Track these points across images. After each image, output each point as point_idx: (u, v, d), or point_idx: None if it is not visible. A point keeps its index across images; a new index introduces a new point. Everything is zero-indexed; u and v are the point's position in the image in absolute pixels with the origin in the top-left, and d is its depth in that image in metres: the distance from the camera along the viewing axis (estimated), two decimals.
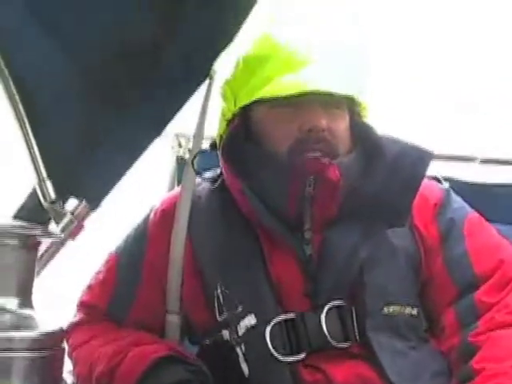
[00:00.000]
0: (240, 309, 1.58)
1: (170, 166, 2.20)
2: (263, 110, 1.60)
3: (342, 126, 1.60)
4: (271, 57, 1.57)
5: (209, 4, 1.51)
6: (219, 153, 1.65)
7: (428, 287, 1.65)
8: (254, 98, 1.57)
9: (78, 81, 1.56)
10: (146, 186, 2.26)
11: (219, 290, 1.60)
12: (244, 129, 1.62)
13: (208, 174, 1.73)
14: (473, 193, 2.01)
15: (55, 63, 1.54)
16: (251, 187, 1.60)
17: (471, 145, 2.16)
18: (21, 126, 1.57)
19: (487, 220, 1.79)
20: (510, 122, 2.17)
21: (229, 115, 1.64)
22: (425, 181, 1.68)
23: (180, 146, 2.20)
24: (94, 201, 1.65)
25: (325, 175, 1.54)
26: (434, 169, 2.06)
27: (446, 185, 2.02)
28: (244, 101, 1.60)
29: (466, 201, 1.76)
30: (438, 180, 1.99)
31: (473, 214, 1.71)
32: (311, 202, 1.57)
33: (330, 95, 1.55)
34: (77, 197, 1.64)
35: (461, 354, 1.56)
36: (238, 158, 1.62)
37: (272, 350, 1.55)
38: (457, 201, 1.71)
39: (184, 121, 1.72)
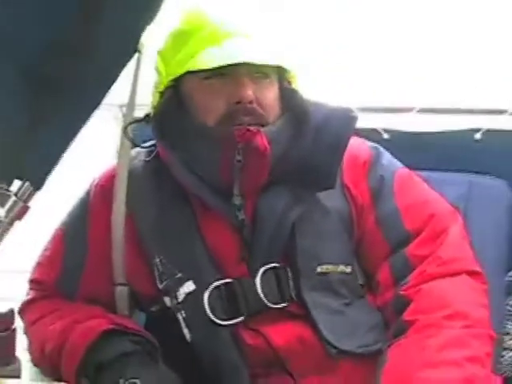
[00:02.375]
0: (178, 276, 1.61)
1: (115, 137, 2.21)
2: (193, 82, 1.62)
3: (270, 95, 1.62)
4: (198, 30, 1.60)
5: None
6: (151, 124, 1.67)
7: (362, 245, 1.68)
8: (182, 71, 1.60)
9: (11, 70, 1.57)
10: (95, 159, 2.27)
11: (158, 260, 1.64)
12: (175, 100, 1.64)
13: (144, 145, 1.75)
14: (411, 142, 2.06)
15: None
16: (183, 158, 1.62)
17: (409, 95, 2.19)
18: None
19: (423, 168, 1.83)
20: (447, 73, 2.21)
21: (161, 87, 1.65)
22: (355, 139, 1.71)
23: (124, 116, 2.20)
24: (37, 181, 1.67)
25: (253, 143, 1.56)
26: (374, 121, 2.11)
27: (386, 136, 2.07)
28: (174, 73, 1.62)
29: (404, 150, 1.80)
30: (377, 132, 2.04)
31: (402, 169, 1.73)
32: (241, 169, 1.58)
33: (257, 65, 1.57)
34: (20, 178, 1.66)
35: (394, 307, 1.59)
36: (170, 129, 1.64)
37: (210, 315, 1.58)
38: (386, 158, 1.74)
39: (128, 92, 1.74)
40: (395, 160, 1.75)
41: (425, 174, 1.80)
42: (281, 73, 1.65)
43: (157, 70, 1.68)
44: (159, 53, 1.68)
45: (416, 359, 1.46)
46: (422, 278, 1.58)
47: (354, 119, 1.65)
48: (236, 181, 1.60)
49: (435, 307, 1.53)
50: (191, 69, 1.58)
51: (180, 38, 1.63)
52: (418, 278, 1.59)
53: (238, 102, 1.57)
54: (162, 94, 1.66)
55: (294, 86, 1.68)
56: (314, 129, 1.64)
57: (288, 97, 1.66)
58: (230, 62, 1.53)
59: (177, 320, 1.62)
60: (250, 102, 1.58)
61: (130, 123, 1.70)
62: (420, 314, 1.53)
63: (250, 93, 1.57)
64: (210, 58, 1.55)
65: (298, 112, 1.65)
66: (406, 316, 1.55)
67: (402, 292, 1.59)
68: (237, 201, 1.61)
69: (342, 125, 1.65)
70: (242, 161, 1.57)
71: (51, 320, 1.68)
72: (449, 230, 1.63)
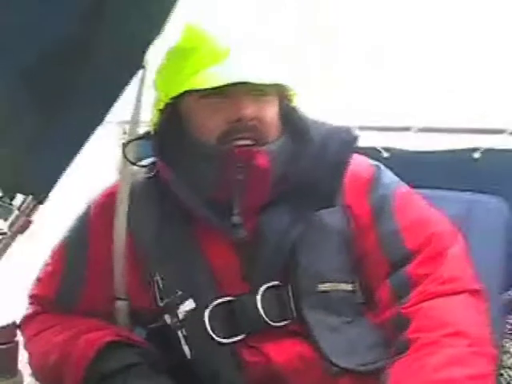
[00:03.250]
0: (179, 294, 1.62)
1: (117, 153, 2.22)
2: (192, 100, 1.63)
3: (270, 113, 1.63)
4: (197, 48, 1.61)
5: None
6: (151, 142, 1.68)
7: (363, 263, 1.68)
8: (180, 91, 1.61)
9: (13, 84, 1.58)
10: (95, 175, 2.28)
11: (158, 277, 1.64)
12: (175, 118, 1.65)
13: (144, 162, 1.76)
14: (410, 160, 2.07)
15: None
16: (183, 176, 1.63)
17: (408, 114, 2.20)
18: None
19: (423, 187, 1.84)
20: (446, 92, 2.22)
21: (160, 105, 1.66)
22: (356, 157, 1.72)
23: (125, 133, 2.22)
24: (40, 195, 1.68)
25: (254, 162, 1.57)
26: (373, 139, 2.12)
27: (385, 154, 2.08)
28: (173, 92, 1.62)
29: (404, 169, 1.81)
30: (377, 151, 2.05)
31: (402, 187, 1.74)
32: (242, 188, 1.59)
33: (257, 84, 1.57)
34: (23, 192, 1.67)
35: (394, 326, 1.59)
36: (170, 147, 1.65)
37: (211, 333, 1.59)
38: (387, 176, 1.74)
39: (129, 109, 1.75)
40: (396, 178, 1.76)
41: (424, 192, 1.80)
42: (281, 91, 1.66)
43: (156, 87, 1.69)
44: (158, 70, 1.69)
45: (417, 377, 1.45)
46: (422, 296, 1.58)
47: (354, 138, 1.66)
48: (236, 199, 1.60)
49: (436, 326, 1.53)
50: (190, 88, 1.59)
51: (179, 56, 1.64)
52: (418, 296, 1.58)
53: (238, 120, 1.58)
54: (161, 111, 1.67)
55: (293, 103, 1.69)
56: (314, 147, 1.65)
57: (288, 115, 1.67)
58: (228, 82, 1.54)
59: (177, 337, 1.62)
60: (251, 120, 1.59)
61: (131, 141, 1.71)
62: (421, 333, 1.53)
63: (250, 111, 1.58)
64: (208, 78, 1.56)
65: (299, 130, 1.66)
66: (407, 334, 1.54)
67: (402, 310, 1.59)
68: (236, 220, 1.61)
69: (342, 144, 1.66)
70: (242, 179, 1.58)
71: (53, 333, 1.68)
72: (449, 249, 1.64)
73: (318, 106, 1.86)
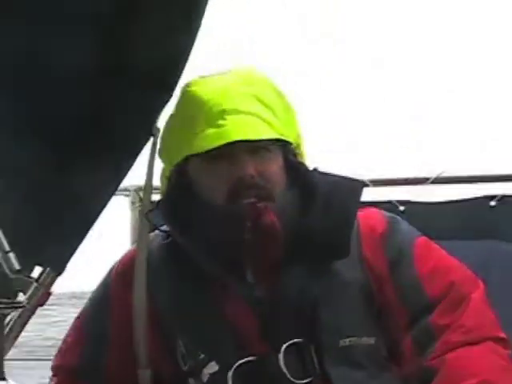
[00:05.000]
0: (202, 357, 1.61)
1: (133, 221, 2.23)
2: (196, 164, 1.63)
3: (273, 168, 1.63)
4: (194, 113, 1.62)
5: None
6: (161, 210, 1.69)
7: (383, 316, 1.66)
8: (183, 156, 1.62)
9: (30, 152, 1.61)
10: (113, 243, 2.29)
11: (180, 342, 1.63)
12: (183, 183, 1.65)
13: (161, 229, 1.74)
14: (426, 213, 2.06)
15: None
16: (195, 239, 1.63)
17: (423, 166, 2.20)
18: None
19: (442, 238, 1.83)
20: (459, 142, 2.23)
21: (166, 173, 1.68)
22: (371, 210, 1.72)
23: (141, 200, 2.23)
24: (58, 266, 1.68)
25: (261, 220, 1.57)
26: (389, 194, 2.12)
27: (401, 208, 2.08)
28: (176, 159, 1.64)
29: (421, 221, 1.80)
30: (392, 205, 2.04)
31: (420, 238, 1.72)
32: (251, 247, 1.59)
33: (255, 140, 1.58)
34: (41, 264, 1.68)
35: (420, 379, 1.57)
36: (181, 211, 1.65)
37: None
38: (403, 227, 1.72)
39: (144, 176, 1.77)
40: (413, 228, 1.74)
41: (441, 243, 1.80)
42: (283, 144, 1.65)
43: (160, 156, 1.70)
44: (160, 139, 1.70)
45: None
46: (446, 347, 1.56)
47: (360, 187, 1.67)
48: (248, 259, 1.60)
49: (462, 377, 1.51)
50: (189, 153, 1.60)
51: (177, 123, 1.66)
52: (442, 347, 1.57)
53: (240, 180, 1.58)
54: (168, 178, 1.67)
55: (299, 157, 1.68)
56: (321, 200, 1.64)
57: (293, 169, 1.66)
58: (223, 142, 1.55)
59: None
60: (252, 177, 1.58)
61: (150, 211, 1.72)
62: None
63: (249, 170, 1.58)
64: (205, 141, 1.58)
65: (305, 183, 1.65)
66: None
67: (427, 363, 1.57)
68: (250, 279, 1.61)
69: (348, 194, 1.66)
70: (250, 238, 1.58)
71: None
72: (470, 297, 1.62)
73: (332, 163, 1.86)
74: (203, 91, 1.63)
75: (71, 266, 1.72)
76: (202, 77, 1.68)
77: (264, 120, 1.60)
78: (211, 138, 1.57)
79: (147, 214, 1.72)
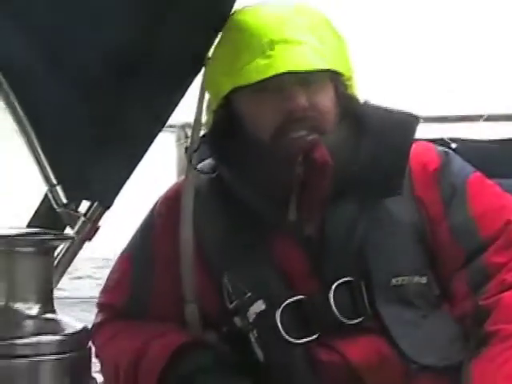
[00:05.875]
0: (248, 295, 1.58)
1: (178, 157, 2.21)
2: (243, 97, 1.59)
3: (325, 99, 1.58)
4: (243, 42, 1.57)
5: None
6: (207, 144, 1.65)
7: (437, 254, 1.63)
8: (229, 88, 1.57)
9: (78, 87, 1.59)
10: (158, 178, 2.28)
11: (226, 279, 1.61)
12: (229, 117, 1.61)
13: (206, 163, 1.72)
14: (479, 150, 2.01)
15: (55, 77, 1.57)
16: (243, 175, 1.60)
17: (475, 103, 2.15)
18: (26, 137, 1.61)
19: (494, 176, 1.79)
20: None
21: (213, 106, 1.63)
22: (423, 145, 1.67)
23: (187, 136, 2.21)
24: (106, 200, 1.67)
25: (313, 155, 1.53)
26: (442, 131, 2.07)
27: (453, 145, 2.03)
28: (222, 91, 1.59)
29: (473, 159, 1.75)
30: (444, 142, 1.99)
31: (474, 174, 1.68)
32: (302, 183, 1.55)
33: (307, 72, 1.53)
34: (89, 199, 1.67)
35: (474, 318, 1.55)
36: (227, 147, 1.61)
37: (283, 334, 1.55)
38: (457, 163, 1.68)
39: (192, 111, 1.74)
40: (466, 164, 1.70)
41: (494, 181, 1.75)
42: (335, 77, 1.60)
43: (207, 87, 1.66)
44: (206, 69, 1.65)
45: (501, 372, 1.42)
46: (501, 286, 1.54)
47: (415, 122, 1.62)
48: (294, 195, 1.56)
49: None
50: (237, 85, 1.55)
51: (224, 53, 1.61)
52: (497, 286, 1.54)
53: (292, 112, 1.54)
54: (214, 112, 1.63)
55: (351, 90, 1.63)
56: (374, 135, 1.60)
57: (345, 102, 1.62)
58: (274, 73, 1.50)
59: (249, 340, 1.59)
60: (303, 110, 1.54)
61: (190, 146, 1.69)
62: (502, 324, 1.49)
63: (301, 102, 1.54)
64: (254, 72, 1.52)
65: (358, 117, 1.61)
66: (488, 327, 1.51)
67: (481, 302, 1.54)
68: (297, 216, 1.57)
69: (403, 129, 1.61)
70: (302, 174, 1.54)
71: (125, 338, 1.66)
72: None
73: (383, 97, 1.81)
74: (253, 20, 1.59)
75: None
76: (252, 5, 1.63)
77: (315, 51, 1.54)
78: (260, 68, 1.52)
79: (188, 152, 1.69)
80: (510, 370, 1.41)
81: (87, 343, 1.33)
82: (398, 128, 1.61)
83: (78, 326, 1.32)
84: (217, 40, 1.64)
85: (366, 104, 1.65)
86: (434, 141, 1.86)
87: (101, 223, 1.66)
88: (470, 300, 1.57)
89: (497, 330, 1.49)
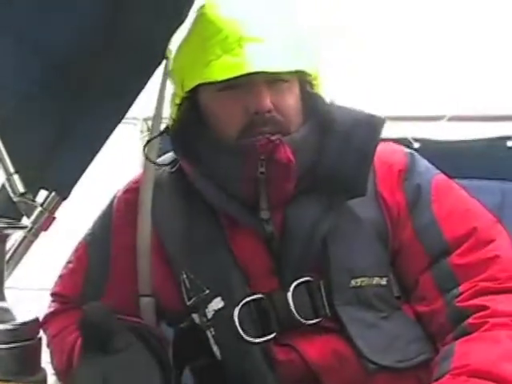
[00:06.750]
0: (206, 292, 1.56)
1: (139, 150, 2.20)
2: (209, 93, 1.57)
3: (290, 100, 1.56)
4: (210, 39, 1.54)
5: None
6: (170, 138, 1.63)
7: (399, 256, 1.62)
8: (195, 84, 1.55)
9: (40, 79, 1.58)
10: (120, 172, 2.26)
11: (185, 276, 1.59)
12: (194, 112, 1.59)
13: (168, 156, 1.71)
14: (442, 151, 2.02)
15: (20, 63, 1.56)
16: (205, 171, 1.58)
17: (438, 104, 2.16)
18: None
19: (456, 177, 1.79)
20: (476, 80, 2.19)
21: (178, 100, 1.61)
22: (389, 146, 1.67)
23: (149, 129, 2.20)
24: (63, 191, 1.66)
25: (276, 155, 1.51)
26: (404, 130, 2.07)
27: (416, 145, 2.04)
28: (188, 85, 1.56)
29: (436, 159, 1.76)
30: (407, 141, 2.00)
31: (439, 176, 1.67)
32: (266, 182, 1.54)
33: (274, 71, 1.51)
34: (46, 188, 1.65)
35: (451, 318, 1.53)
36: (190, 142, 1.59)
37: (241, 332, 1.53)
38: (422, 164, 1.67)
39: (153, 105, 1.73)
40: (432, 166, 1.69)
41: (457, 182, 1.76)
42: (302, 76, 1.59)
43: (172, 80, 1.64)
44: (173, 62, 1.63)
45: (493, 350, 1.42)
46: (475, 291, 1.52)
47: (381, 123, 1.60)
48: (262, 194, 1.56)
49: (503, 313, 1.48)
50: (204, 81, 1.53)
51: (192, 47, 1.58)
52: (471, 291, 1.53)
53: (256, 113, 1.52)
54: (178, 106, 1.61)
55: (316, 89, 1.62)
56: (340, 135, 1.58)
57: (311, 102, 1.60)
58: (242, 73, 1.48)
59: (206, 337, 1.57)
60: (269, 111, 1.52)
61: (151, 139, 1.67)
62: (489, 318, 1.48)
63: (266, 102, 1.52)
64: (221, 69, 1.50)
65: (323, 118, 1.59)
66: (472, 320, 1.49)
67: (458, 304, 1.53)
68: (264, 215, 1.56)
69: (369, 130, 1.59)
70: (265, 173, 1.52)
71: (75, 332, 1.63)
72: (495, 243, 1.57)
73: (346, 96, 1.81)
74: (222, 14, 1.55)
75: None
76: None
77: (284, 49, 1.52)
78: (227, 66, 1.49)
79: (145, 145, 1.67)
80: (501, 351, 1.42)
81: (38, 333, 1.32)
82: (363, 129, 1.59)
83: (29, 316, 1.30)
84: (184, 32, 1.62)
85: (331, 104, 1.63)
86: (397, 140, 1.87)
87: (57, 214, 1.65)
88: (440, 300, 1.56)
89: (483, 322, 1.47)
